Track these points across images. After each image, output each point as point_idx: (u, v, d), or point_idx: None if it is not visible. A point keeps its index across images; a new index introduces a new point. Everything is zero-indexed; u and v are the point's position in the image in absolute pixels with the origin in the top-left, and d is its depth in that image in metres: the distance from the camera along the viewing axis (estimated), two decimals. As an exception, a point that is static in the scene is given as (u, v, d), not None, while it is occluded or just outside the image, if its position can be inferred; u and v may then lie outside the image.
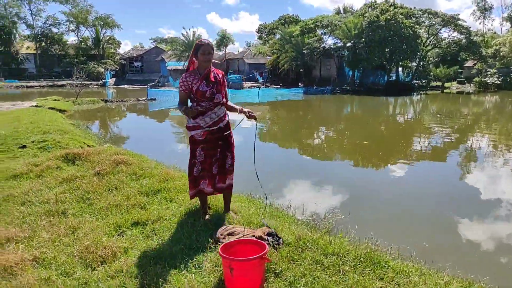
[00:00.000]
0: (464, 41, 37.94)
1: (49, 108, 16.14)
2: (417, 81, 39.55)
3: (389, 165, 9.25)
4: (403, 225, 5.49)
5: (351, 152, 10.67)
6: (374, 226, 5.18)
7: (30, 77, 45.92)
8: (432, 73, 40.18)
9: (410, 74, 40.03)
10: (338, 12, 47.67)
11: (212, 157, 3.64)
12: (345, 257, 3.00)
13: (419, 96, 32.89)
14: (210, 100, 3.52)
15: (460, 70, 42.49)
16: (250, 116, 3.60)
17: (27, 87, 38.83)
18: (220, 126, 3.64)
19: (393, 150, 10.86)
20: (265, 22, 52.87)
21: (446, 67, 39.07)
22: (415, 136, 13.47)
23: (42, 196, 4.28)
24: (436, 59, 44.15)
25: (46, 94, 26.93)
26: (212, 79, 3.56)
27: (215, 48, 33.79)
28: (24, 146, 7.72)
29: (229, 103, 3.79)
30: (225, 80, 3.80)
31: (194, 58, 3.54)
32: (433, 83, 40.52)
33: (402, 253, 4.08)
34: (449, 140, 12.61)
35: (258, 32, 54.33)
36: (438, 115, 19.68)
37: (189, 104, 3.60)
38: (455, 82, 42.21)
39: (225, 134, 3.65)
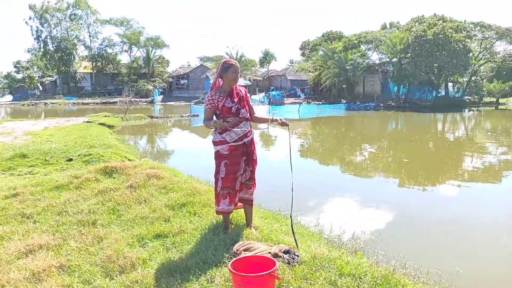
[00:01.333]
0: (521, 54, 35.69)
1: (99, 123, 17.17)
2: (469, 97, 37.56)
3: (430, 185, 8.83)
4: (438, 249, 5.18)
5: (391, 171, 10.31)
6: (406, 248, 4.95)
7: (86, 95, 49.21)
8: (485, 89, 37.96)
9: (461, 90, 38.10)
10: (384, 27, 46.84)
11: (236, 172, 3.72)
12: (361, 278, 2.90)
13: (470, 112, 31.21)
14: (235, 116, 3.65)
15: (517, 85, 39.84)
16: (282, 124, 3.68)
17: (83, 104, 41.62)
18: (244, 141, 3.73)
19: (438, 169, 10.33)
20: (308, 39, 53.07)
21: (501, 82, 36.78)
22: (464, 155, 12.75)
23: (77, 206, 4.55)
24: (490, 73, 41.75)
25: (99, 110, 28.71)
26: (236, 95, 3.70)
27: (258, 65, 34.30)
28: (70, 159, 8.26)
29: (257, 115, 3.91)
30: (247, 95, 3.90)
31: (220, 77, 3.69)
32: (486, 99, 38.27)
33: (431, 278, 3.88)
34: (504, 159, 11.80)
35: (301, 49, 54.59)
36: (489, 133, 18.53)
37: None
38: (511, 98, 39.59)
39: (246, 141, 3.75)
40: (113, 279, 2.92)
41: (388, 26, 47.43)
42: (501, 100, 37.96)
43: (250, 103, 3.86)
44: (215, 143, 3.73)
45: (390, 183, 9.00)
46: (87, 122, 17.65)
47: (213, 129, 3.72)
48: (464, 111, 31.90)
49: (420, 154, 12.66)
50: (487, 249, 5.20)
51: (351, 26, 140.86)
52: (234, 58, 39.28)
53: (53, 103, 41.76)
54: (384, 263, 4.21)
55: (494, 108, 34.61)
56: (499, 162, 11.31)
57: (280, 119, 3.69)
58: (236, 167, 3.71)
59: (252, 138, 3.84)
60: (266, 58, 46.70)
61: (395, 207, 6.95)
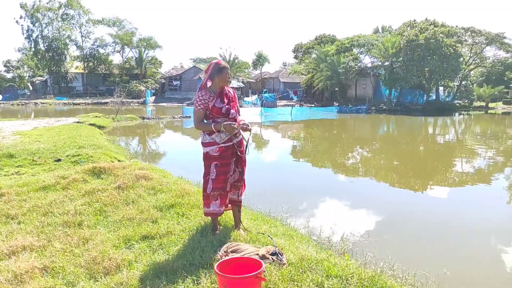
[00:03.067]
0: (510, 60, 36.20)
1: (89, 124, 17.00)
2: (459, 101, 37.99)
3: (419, 187, 8.88)
4: (426, 251, 5.21)
5: (382, 173, 10.36)
6: (394, 249, 4.97)
7: (77, 95, 48.81)
8: (475, 93, 38.46)
9: (451, 94, 38.53)
10: (376, 31, 47.20)
11: (226, 173, 3.69)
12: (348, 280, 2.90)
13: (461, 116, 31.56)
14: (225, 116, 3.63)
15: (506, 90, 40.39)
16: (243, 129, 3.60)
17: (74, 104, 41.23)
18: (234, 142, 3.71)
19: (427, 172, 10.42)
20: (301, 42, 53.23)
21: (491, 87, 37.28)
22: (453, 158, 12.87)
23: (63, 207, 4.48)
24: (480, 78, 42.33)
25: (90, 110, 28.45)
26: (226, 96, 3.68)
27: (251, 67, 34.18)
28: (59, 160, 8.15)
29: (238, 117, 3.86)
30: (236, 96, 3.89)
31: (210, 79, 3.66)
32: (476, 104, 38.74)
33: (418, 279, 3.89)
34: (492, 163, 11.93)
35: (294, 51, 54.70)
36: (478, 136, 18.74)
37: (204, 121, 3.72)
38: (500, 103, 40.11)
39: (243, 154, 3.72)
40: (97, 281, 2.87)
41: (380, 30, 47.80)
42: (490, 105, 38.44)
43: (237, 104, 3.84)
44: (204, 144, 3.70)
45: (380, 185, 9.03)
46: (78, 122, 17.47)
47: (203, 131, 3.69)
48: (455, 115, 32.25)
49: (411, 157, 12.75)
50: (474, 251, 5.24)
51: (344, 29, 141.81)
52: (228, 60, 39.25)
53: (44, 103, 41.32)
54: (372, 264, 4.22)
55: (483, 112, 35.02)
56: (488, 166, 11.42)
57: (243, 124, 3.57)
58: (227, 168, 3.68)
59: (241, 138, 3.83)
60: (259, 60, 46.76)
61: (384, 209, 6.98)
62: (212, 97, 3.62)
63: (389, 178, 9.69)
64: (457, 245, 5.43)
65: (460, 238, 5.67)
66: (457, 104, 37.30)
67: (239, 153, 3.72)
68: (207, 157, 3.70)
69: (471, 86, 39.48)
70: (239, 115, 3.79)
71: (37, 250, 3.37)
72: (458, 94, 37.92)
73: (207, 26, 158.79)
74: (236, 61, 42.01)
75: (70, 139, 10.57)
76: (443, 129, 23.54)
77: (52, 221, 4.06)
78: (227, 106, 3.64)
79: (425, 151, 14.33)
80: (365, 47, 36.81)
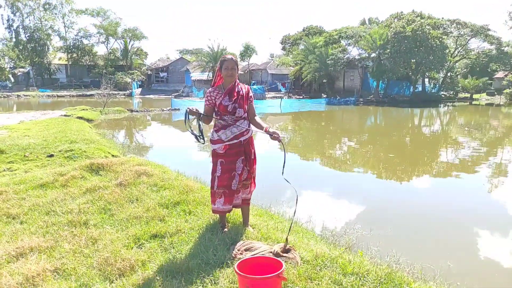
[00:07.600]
0: (494, 51, 36.82)
1: (77, 117, 16.67)
2: (444, 93, 38.57)
3: (413, 178, 9.01)
4: (427, 243, 5.30)
5: (374, 165, 10.46)
6: (397, 243, 5.03)
7: (61, 87, 47.70)
8: (460, 84, 39.09)
9: (437, 85, 39.09)
10: (363, 23, 47.36)
11: (231, 171, 3.65)
12: (365, 277, 2.91)
13: (446, 107, 32.05)
14: (232, 114, 3.59)
15: (490, 82, 41.15)
16: (273, 138, 3.40)
17: (58, 96, 40.32)
18: (241, 140, 3.66)
19: (418, 163, 10.58)
20: (289, 33, 53.10)
21: (475, 78, 37.92)
22: (441, 149, 13.09)
23: (65, 206, 4.38)
24: (465, 70, 42.99)
25: (76, 103, 27.89)
26: (236, 93, 3.63)
27: (239, 59, 33.61)
28: (51, 155, 7.97)
29: (257, 119, 3.69)
30: (250, 95, 3.78)
31: (219, 73, 3.63)
32: (461, 95, 39.38)
33: (425, 274, 3.94)
34: (477, 153, 12.18)
35: (281, 43, 54.57)
36: (466, 128, 19.09)
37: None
38: (484, 94, 40.85)
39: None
40: (113, 282, 2.82)
41: (367, 22, 47.99)
42: (474, 96, 39.13)
43: (253, 103, 3.75)
44: (212, 141, 3.68)
45: (377, 178, 9.12)
46: (65, 115, 17.11)
47: (212, 128, 3.68)
48: (440, 106, 32.71)
49: (401, 149, 12.90)
50: (472, 242, 5.35)
51: (331, 21, 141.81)
52: (216, 51, 38.84)
53: (27, 95, 40.26)
54: (378, 259, 4.26)
55: (468, 103, 35.63)
56: (474, 157, 11.64)
57: (273, 133, 3.37)
58: (232, 166, 3.64)
59: (251, 137, 3.78)
60: (247, 51, 46.40)
61: (383, 201, 7.06)
62: (220, 94, 3.59)
63: (385, 170, 9.78)
64: (456, 237, 5.54)
65: (458, 230, 5.78)
66: (443, 96, 37.84)
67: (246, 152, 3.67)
68: (214, 154, 3.69)
69: (456, 77, 40.08)
70: (255, 115, 3.68)
71: (45, 252, 3.29)
72: (443, 85, 38.47)
73: (194, 17, 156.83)
74: (224, 52, 41.62)
75: (60, 133, 10.35)
76: (431, 120, 23.86)
77: (56, 221, 3.97)
78: (234, 105, 3.58)
79: (416, 143, 14.51)
80: (353, 39, 36.91)
